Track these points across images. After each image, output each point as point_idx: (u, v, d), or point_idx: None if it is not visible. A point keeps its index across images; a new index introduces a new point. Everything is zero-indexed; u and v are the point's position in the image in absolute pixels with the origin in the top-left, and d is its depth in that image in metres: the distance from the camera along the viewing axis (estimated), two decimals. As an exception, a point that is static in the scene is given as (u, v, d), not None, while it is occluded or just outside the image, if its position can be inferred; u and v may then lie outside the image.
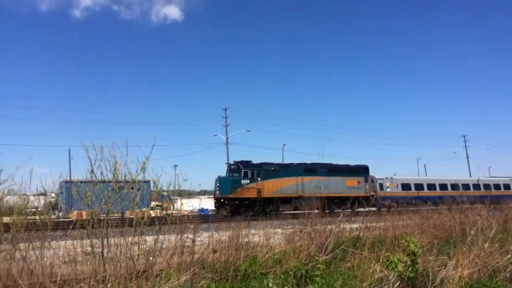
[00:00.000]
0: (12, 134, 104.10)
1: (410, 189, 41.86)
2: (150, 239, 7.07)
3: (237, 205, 31.63)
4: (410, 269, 5.56)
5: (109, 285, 5.55)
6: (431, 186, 43.78)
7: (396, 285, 5.72)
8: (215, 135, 56.99)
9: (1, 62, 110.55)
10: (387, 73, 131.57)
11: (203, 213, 33.63)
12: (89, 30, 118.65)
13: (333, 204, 34.10)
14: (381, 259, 6.65)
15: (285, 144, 66.08)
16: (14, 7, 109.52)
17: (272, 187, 32.87)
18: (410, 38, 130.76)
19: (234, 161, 34.57)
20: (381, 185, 40.21)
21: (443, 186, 44.39)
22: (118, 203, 6.59)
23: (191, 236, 7.47)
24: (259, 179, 32.70)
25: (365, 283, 6.16)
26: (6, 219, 6.20)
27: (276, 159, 44.92)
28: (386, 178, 41.10)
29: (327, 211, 25.56)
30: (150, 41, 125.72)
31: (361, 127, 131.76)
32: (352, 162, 44.39)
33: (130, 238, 6.48)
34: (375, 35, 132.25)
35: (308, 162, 37.33)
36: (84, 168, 6.63)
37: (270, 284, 6.21)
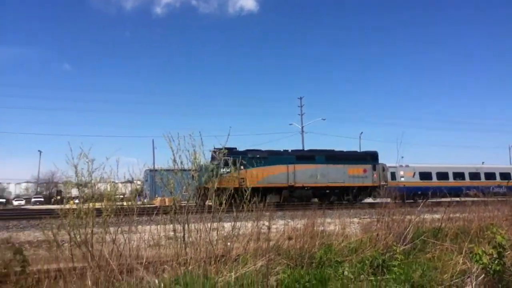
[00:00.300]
0: (103, 126, 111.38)
1: (430, 178, 36.90)
2: (227, 225, 7.34)
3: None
4: (496, 262, 5.24)
5: (190, 268, 5.84)
6: (459, 175, 38.15)
7: (480, 278, 5.43)
8: (291, 124, 56.88)
9: (93, 59, 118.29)
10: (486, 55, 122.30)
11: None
12: (170, 26, 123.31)
13: (333, 195, 31.58)
14: (464, 251, 6.34)
15: (362, 133, 64.27)
16: (103, 7, 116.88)
17: (257, 176, 29.46)
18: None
19: (214, 148, 31.53)
20: (393, 174, 35.88)
21: (475, 175, 38.51)
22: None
23: (266, 223, 7.63)
24: (242, 167, 28.98)
25: (446, 275, 5.92)
26: (97, 205, 6.74)
27: (353, 148, 43.25)
28: (400, 166, 36.20)
29: (325, 202, 23.73)
30: (227, 33, 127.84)
31: (450, 112, 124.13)
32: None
33: (209, 224, 6.77)
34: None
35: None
36: (166, 157, 7.02)
37: (346, 272, 6.18)
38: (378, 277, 6.06)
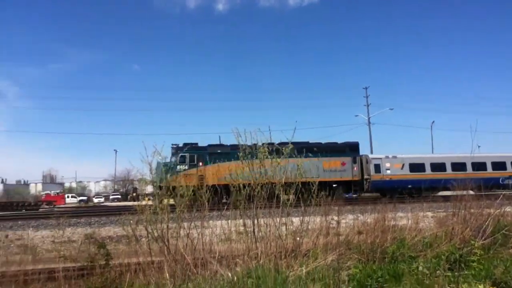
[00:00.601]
0: (172, 124, 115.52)
1: (423, 170, 31.90)
2: (296, 220, 7.38)
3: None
4: None
5: (261, 261, 5.95)
6: (458, 166, 32.03)
7: None
8: (356, 115, 55.64)
9: (158, 58, 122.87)
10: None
11: (347, 196, 32.35)
12: (231, 21, 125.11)
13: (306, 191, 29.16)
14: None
15: (433, 122, 61.29)
16: (167, 8, 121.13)
17: (218, 173, 27.32)
18: None
19: (173, 144, 29.60)
20: (377, 166, 31.29)
21: (479, 166, 32.24)
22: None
23: (335, 217, 7.57)
24: (200, 164, 28.00)
25: (532, 271, 5.56)
26: (171, 201, 7.04)
27: (424, 139, 40.73)
28: (386, 157, 31.98)
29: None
30: (287, 25, 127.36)
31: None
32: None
33: (278, 219, 6.84)
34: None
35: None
36: None
37: (421, 268, 5.98)
38: (456, 273, 5.80)
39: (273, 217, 6.84)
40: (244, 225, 6.63)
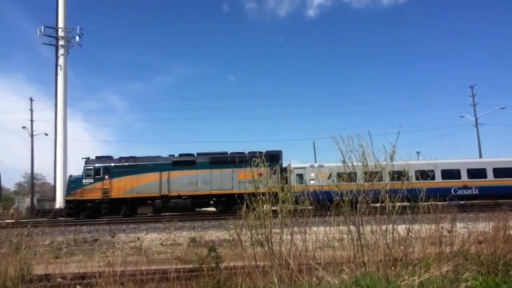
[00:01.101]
0: (263, 132, 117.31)
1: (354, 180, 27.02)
2: (401, 227, 7.04)
3: (76, 208, 27.22)
4: None
5: (368, 269, 5.76)
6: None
7: None
8: (462, 116, 51.92)
9: (252, 68, 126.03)
10: None
11: (453, 203, 30.47)
12: (323, 26, 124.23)
13: (220, 204, 27.16)
14: None
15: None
16: (259, 18, 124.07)
17: (124, 186, 27.41)
18: None
19: (83, 157, 29.49)
20: (300, 176, 28.93)
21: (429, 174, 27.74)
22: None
23: (446, 226, 7.10)
24: (106, 177, 27.65)
25: None
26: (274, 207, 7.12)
27: None
28: (311, 166, 29.61)
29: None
30: (383, 25, 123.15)
31: None
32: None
33: (384, 226, 6.59)
34: None
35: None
36: (328, 158, 7.06)
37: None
38: None
39: (379, 224, 6.60)
40: (350, 231, 6.47)
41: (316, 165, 30.01)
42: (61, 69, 43.55)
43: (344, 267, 6.15)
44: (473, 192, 28.46)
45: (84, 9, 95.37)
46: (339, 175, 7.26)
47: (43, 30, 43.99)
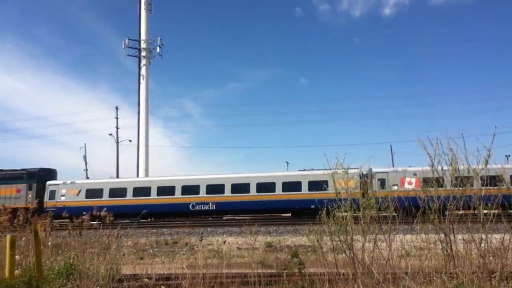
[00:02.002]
0: (347, 135, 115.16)
1: (101, 196, 29.72)
2: (494, 237, 6.52)
3: None
4: None
5: (460, 282, 5.40)
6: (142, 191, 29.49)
7: None
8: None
9: (325, 70, 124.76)
10: None
11: None
12: (399, 25, 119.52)
13: None
14: None
15: None
16: (332, 20, 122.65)
17: None
18: None
19: None
20: (52, 192, 30.32)
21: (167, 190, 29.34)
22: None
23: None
24: None
25: None
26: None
27: None
28: (64, 183, 30.83)
29: None
30: (464, 22, 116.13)
31: None
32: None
33: (477, 235, 6.14)
34: None
35: None
36: (405, 162, 6.73)
37: None
38: None
39: (471, 233, 6.16)
40: (440, 240, 6.10)
41: (68, 182, 31.27)
42: (143, 79, 46.08)
43: (433, 277, 5.82)
44: None
45: (163, 19, 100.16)
46: (425, 180, 6.97)
47: (127, 43, 46.85)
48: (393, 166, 32.51)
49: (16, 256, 6.79)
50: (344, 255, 6.52)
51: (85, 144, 55.28)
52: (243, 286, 7.24)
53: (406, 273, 5.87)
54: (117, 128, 50.78)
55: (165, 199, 28.93)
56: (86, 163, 53.03)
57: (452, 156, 6.35)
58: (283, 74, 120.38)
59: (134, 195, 29.62)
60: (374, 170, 28.30)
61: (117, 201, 28.79)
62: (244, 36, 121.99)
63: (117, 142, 49.80)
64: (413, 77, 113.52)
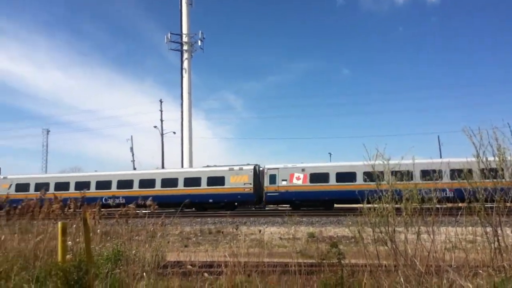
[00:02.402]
0: (390, 125, 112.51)
1: (27, 190, 31.07)
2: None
3: None
4: None
5: (509, 276, 5.22)
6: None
7: None
8: None
9: (368, 60, 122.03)
10: None
11: None
12: (446, 11, 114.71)
13: None
14: None
15: None
16: (374, 8, 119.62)
17: None
18: None
19: None
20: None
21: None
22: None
23: None
24: None
25: None
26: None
27: None
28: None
29: None
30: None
31: None
32: None
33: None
34: None
35: None
36: (454, 153, 6.54)
37: None
38: None
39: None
40: (486, 233, 5.91)
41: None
42: (185, 72, 46.86)
43: (480, 271, 5.65)
44: None
45: (204, 12, 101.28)
46: (469, 171, 6.76)
47: (169, 37, 47.76)
48: (440, 157, 31.72)
49: (68, 242, 7.17)
50: (386, 247, 6.45)
51: (131, 136, 57.34)
52: (283, 275, 7.30)
53: (450, 266, 5.72)
54: (162, 120, 52.20)
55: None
56: (133, 155, 54.89)
57: (498, 146, 6.12)
58: (324, 65, 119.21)
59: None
60: (266, 166, 30.29)
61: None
62: (285, 28, 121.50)
63: (162, 134, 51.21)
64: (461, 67, 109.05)
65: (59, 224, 5.97)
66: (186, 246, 14.20)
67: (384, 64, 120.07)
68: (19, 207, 9.59)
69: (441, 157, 33.53)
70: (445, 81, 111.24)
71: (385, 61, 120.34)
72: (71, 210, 9.25)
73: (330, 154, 77.38)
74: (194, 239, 16.77)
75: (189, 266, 8.15)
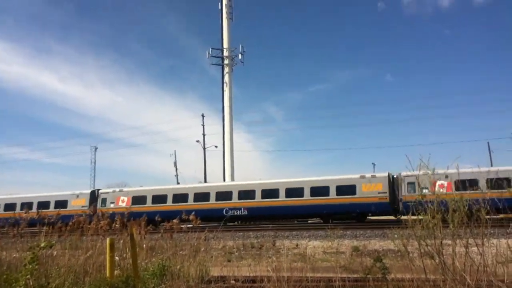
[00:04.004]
0: (436, 133, 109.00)
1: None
2: None
3: None
4: None
5: None
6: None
7: None
8: None
9: (411, 66, 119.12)
10: None
11: None
12: (493, 11, 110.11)
13: None
14: None
15: None
16: (417, 11, 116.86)
17: None
18: None
19: None
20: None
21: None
22: None
23: None
24: None
25: None
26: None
27: None
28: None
29: None
30: None
31: None
32: None
33: None
34: None
35: None
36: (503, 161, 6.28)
37: None
38: None
39: None
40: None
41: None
42: (226, 86, 47.57)
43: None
44: None
45: (244, 26, 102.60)
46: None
47: (210, 52, 48.76)
48: (491, 166, 30.29)
49: (116, 257, 7.41)
50: (432, 260, 6.25)
51: (174, 151, 58.54)
52: (327, 290, 7.22)
53: (502, 281, 5.48)
54: (204, 134, 52.96)
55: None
56: (176, 169, 55.99)
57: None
58: (367, 72, 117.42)
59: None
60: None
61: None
62: (325, 36, 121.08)
63: (204, 148, 51.92)
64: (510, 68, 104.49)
65: (108, 240, 6.19)
66: (229, 261, 14.28)
67: (429, 69, 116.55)
68: (70, 223, 10.02)
69: (491, 165, 32.08)
70: (500, 84, 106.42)
71: (431, 66, 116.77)
72: (118, 225, 9.55)
73: (373, 164, 75.68)
74: (237, 253, 16.83)
75: (233, 281, 8.21)
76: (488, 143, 53.54)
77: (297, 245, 17.20)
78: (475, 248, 6.28)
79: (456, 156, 8.29)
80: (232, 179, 43.83)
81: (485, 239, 6.27)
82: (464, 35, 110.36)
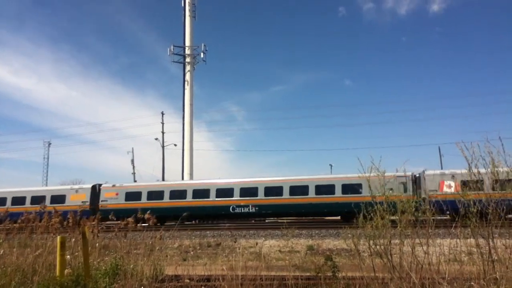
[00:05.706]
0: (387, 137, 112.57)
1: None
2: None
3: None
4: None
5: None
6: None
7: None
8: None
9: (369, 71, 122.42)
10: None
11: None
12: (449, 22, 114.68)
13: None
14: None
15: None
16: (376, 18, 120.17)
17: None
18: None
19: None
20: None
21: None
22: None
23: None
24: None
25: None
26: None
27: None
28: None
29: None
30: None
31: None
32: None
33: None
34: None
35: None
36: (457, 165, 6.61)
37: None
38: None
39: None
40: (478, 245, 5.98)
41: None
42: (187, 84, 47.21)
43: (473, 283, 5.71)
44: None
45: (207, 25, 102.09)
46: (464, 183, 6.58)
47: (172, 49, 48.17)
48: (441, 168, 31.54)
49: (67, 256, 7.24)
50: (381, 259, 6.49)
51: (132, 148, 57.41)
52: (280, 288, 7.35)
53: (444, 278, 5.78)
54: (163, 132, 52.24)
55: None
56: (133, 167, 54.93)
57: (491, 159, 6.21)
58: (327, 76, 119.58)
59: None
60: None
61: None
62: (287, 38, 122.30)
63: (163, 147, 51.22)
64: (467, 74, 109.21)
65: (58, 238, 6.05)
66: (184, 260, 14.21)
67: (387, 75, 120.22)
68: (19, 220, 9.69)
69: (441, 168, 33.33)
70: (450, 91, 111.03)
71: (389, 72, 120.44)
72: (70, 223, 9.32)
73: (331, 165, 77.15)
74: (192, 252, 16.76)
75: (187, 280, 8.20)
76: (439, 147, 55.96)
77: (256, 244, 17.33)
78: (432, 249, 6.59)
79: (405, 159, 8.65)
80: (191, 177, 43.53)
81: (430, 240, 6.59)
82: (419, 42, 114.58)
